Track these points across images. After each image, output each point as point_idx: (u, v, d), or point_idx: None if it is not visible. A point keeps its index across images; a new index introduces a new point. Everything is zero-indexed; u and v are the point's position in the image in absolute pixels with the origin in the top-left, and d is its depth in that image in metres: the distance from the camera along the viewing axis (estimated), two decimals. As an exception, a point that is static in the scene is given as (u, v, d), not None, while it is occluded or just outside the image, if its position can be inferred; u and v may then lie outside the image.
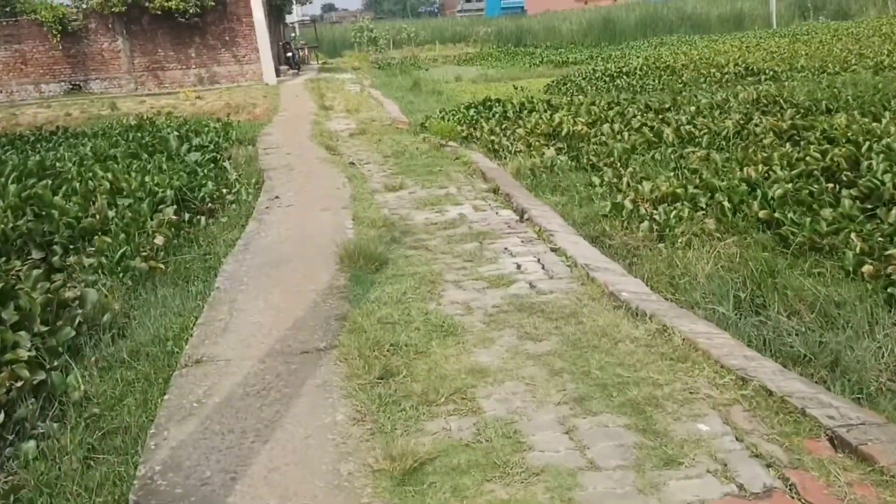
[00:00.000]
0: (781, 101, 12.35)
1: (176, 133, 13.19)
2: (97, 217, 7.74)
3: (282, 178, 10.12)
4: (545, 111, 13.31)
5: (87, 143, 12.67)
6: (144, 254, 7.07)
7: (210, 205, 9.16)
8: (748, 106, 12.51)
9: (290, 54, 31.72)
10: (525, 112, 13.51)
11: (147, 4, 26.17)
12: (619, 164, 9.36)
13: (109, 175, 9.03)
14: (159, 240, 7.14)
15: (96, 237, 7.25)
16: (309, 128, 15.21)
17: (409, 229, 7.27)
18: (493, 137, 11.96)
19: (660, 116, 12.08)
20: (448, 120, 14.06)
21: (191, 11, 26.23)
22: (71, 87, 27.24)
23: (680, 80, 18.99)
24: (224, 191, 9.52)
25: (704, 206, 7.26)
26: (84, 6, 27.00)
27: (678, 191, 7.55)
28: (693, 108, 12.32)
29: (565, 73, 26.74)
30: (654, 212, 7.31)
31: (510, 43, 43.27)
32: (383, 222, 7.49)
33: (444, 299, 5.38)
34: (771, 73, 17.76)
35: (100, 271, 6.71)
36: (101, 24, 26.98)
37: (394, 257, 6.34)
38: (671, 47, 32.93)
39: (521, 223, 7.29)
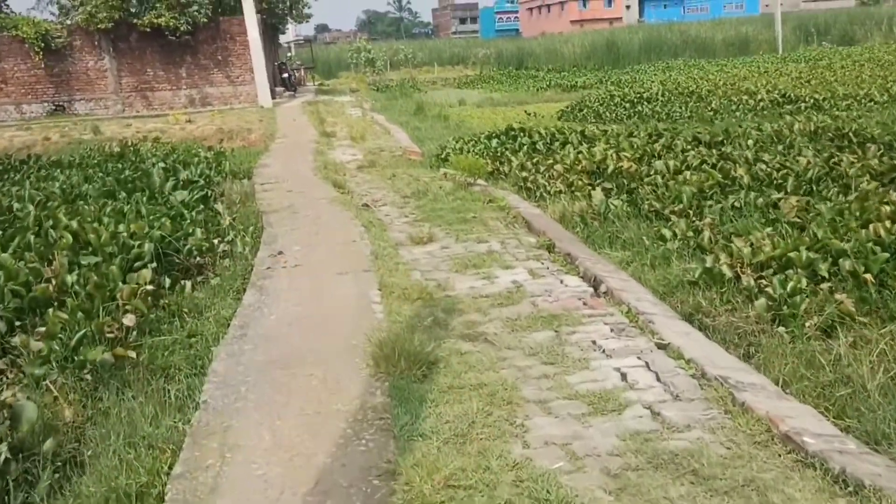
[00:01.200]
0: (850, 134, 10.75)
1: (161, 165, 11.48)
2: (53, 283, 6.02)
3: (284, 225, 8.41)
4: (579, 143, 11.67)
5: (59, 178, 10.93)
6: (111, 335, 5.37)
7: (198, 259, 7.47)
8: (809, 139, 10.93)
9: (285, 75, 30.12)
10: (557, 144, 11.87)
11: (136, 21, 24.50)
12: (691, 213, 7.69)
13: (75, 223, 7.30)
14: (130, 319, 5.41)
15: (50, 311, 5.56)
16: (311, 158, 13.52)
17: (453, 305, 5.57)
18: (524, 174, 10.31)
19: (715, 151, 10.47)
20: (468, 152, 12.41)
21: (182, 29, 24.57)
22: (54, 108, 25.49)
23: (709, 108, 17.45)
24: (215, 241, 7.81)
25: (828, 276, 5.62)
26: (69, 22, 25.33)
27: (791, 254, 5.90)
28: (751, 142, 10.71)
29: (577, 98, 25.23)
30: (763, 282, 5.66)
31: (511, 65, 41.84)
32: (419, 293, 5.79)
33: (531, 435, 3.68)
34: (811, 101, 16.22)
35: (51, 360, 5.06)
36: (86, 41, 25.28)
37: (444, 354, 4.64)
38: (681, 72, 31.52)
39: (599, 298, 5.60)
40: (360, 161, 13.00)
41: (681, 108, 17.97)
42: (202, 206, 9.22)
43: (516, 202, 8.79)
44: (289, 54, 39.79)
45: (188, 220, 8.29)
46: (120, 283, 6.06)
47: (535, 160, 10.94)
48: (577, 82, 28.94)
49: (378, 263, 6.66)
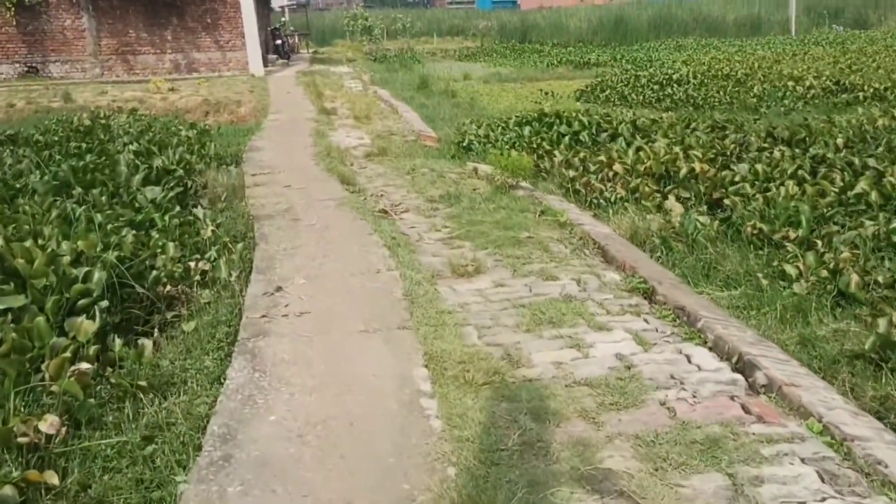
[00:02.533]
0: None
1: (133, 148, 9.44)
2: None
3: (283, 239, 6.44)
4: (632, 136, 9.71)
5: (5, 161, 8.86)
6: (24, 439, 3.52)
7: (168, 288, 5.54)
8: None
9: (279, 42, 27.81)
10: (604, 135, 9.90)
11: (117, -22, 22.16)
12: (819, 243, 5.79)
13: (0, 238, 5.31)
14: (51, 424, 3.48)
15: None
16: (310, 141, 11.48)
17: (542, 402, 3.67)
18: (571, 173, 8.38)
19: (798, 150, 8.57)
20: (496, 140, 10.43)
21: (168, -12, 22.29)
22: (26, 69, 23.14)
23: (751, 94, 15.51)
24: (192, 262, 5.86)
25: None
26: (44, -24, 22.91)
27: None
28: (840, 141, 8.81)
29: (591, 76, 23.23)
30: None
31: (513, 39, 39.57)
32: (484, 373, 3.88)
33: None
34: (870, 90, 14.29)
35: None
36: (63, -2, 22.91)
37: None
38: (696, 51, 29.48)
39: (759, 396, 3.71)
40: (369, 147, 10.98)
41: (718, 93, 16.01)
42: (178, 209, 7.23)
43: (577, 216, 6.85)
44: (282, 19, 37.38)
45: (159, 230, 6.32)
46: (47, 345, 4.12)
47: (581, 156, 8.99)
48: (589, 59, 26.84)
49: (416, 312, 4.73)
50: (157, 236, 6.10)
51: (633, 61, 26.33)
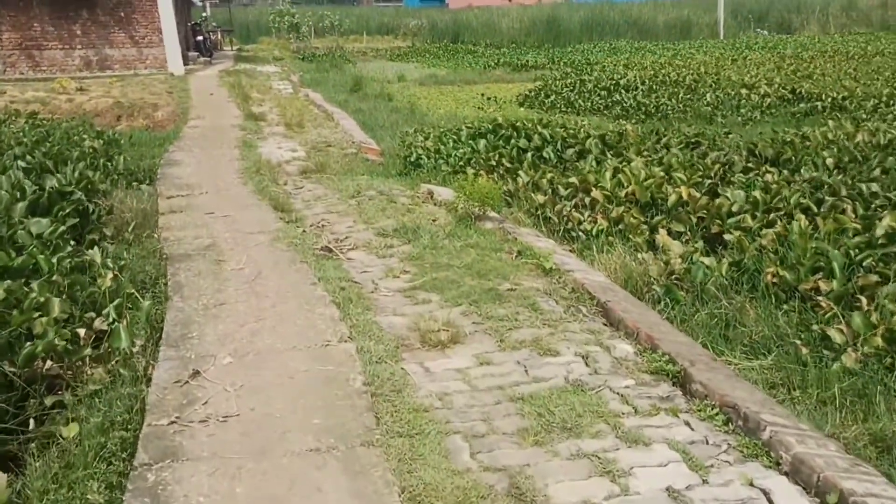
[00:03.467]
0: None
1: (21, 164, 7.87)
2: None
3: (203, 292, 5.07)
4: (602, 152, 8.63)
5: None
6: None
7: (49, 365, 4.20)
8: (884, 153, 8.22)
9: (200, 38, 25.93)
10: (571, 152, 8.78)
11: (20, -34, 20.05)
12: (863, 299, 4.77)
13: None
14: None
15: None
16: (236, 153, 10.05)
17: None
18: (540, 198, 7.24)
19: (786, 171, 7.64)
20: (448, 156, 9.21)
21: (76, -22, 20.30)
22: (-83, 65, 20.81)
23: (704, 102, 14.72)
24: (84, 325, 4.48)
25: None
26: (-65, -37, 20.61)
27: None
28: (829, 161, 7.93)
29: (531, 79, 22.26)
30: None
31: (445, 38, 38.40)
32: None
33: None
34: (828, 99, 13.63)
35: None
36: (-42, -14, 20.66)
37: None
38: (631, 54, 28.88)
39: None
40: (304, 161, 9.61)
41: (670, 100, 15.16)
42: (72, 245, 5.78)
43: (562, 259, 5.68)
44: (203, 14, 35.30)
45: (42, 282, 4.88)
46: None
47: (549, 177, 7.86)
48: (526, 61, 25.86)
49: (383, 414, 3.47)
50: (37, 290, 4.66)
51: (570, 64, 25.48)
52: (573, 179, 7.55)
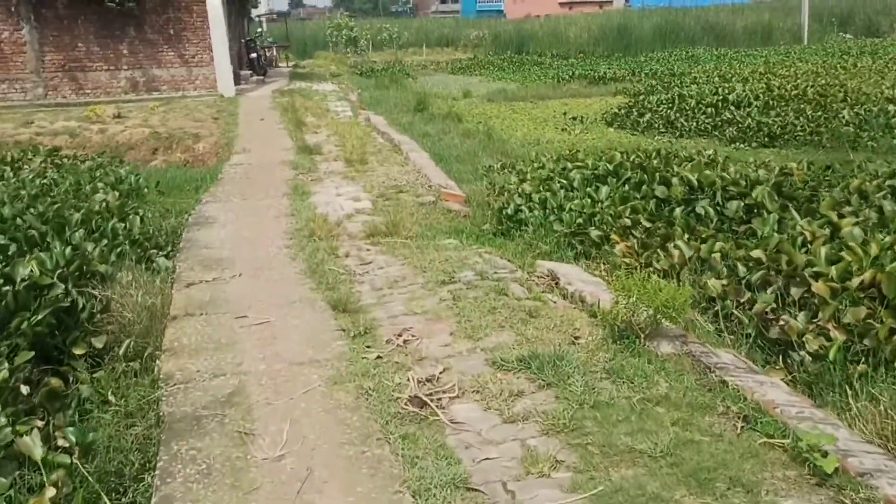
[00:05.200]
0: None
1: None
2: None
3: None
4: (782, 209, 6.08)
5: None
6: None
7: None
8: None
9: (254, 55, 24.03)
10: (736, 205, 6.24)
11: (63, -17, 18.38)
12: None
13: None
14: None
15: None
16: (285, 204, 7.81)
17: None
18: (715, 283, 4.80)
19: None
20: (565, 210, 6.80)
21: (123, -6, 18.53)
22: (-44, 89, 19.28)
23: (842, 121, 12.03)
24: None
25: None
26: (-25, -19, 19.07)
27: None
28: None
29: (611, 93, 19.76)
30: None
31: (508, 50, 36.02)
32: None
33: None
34: None
35: None
36: (0, 5, 19.06)
37: None
38: (714, 63, 26.06)
39: None
40: (370, 216, 7.32)
41: (797, 118, 12.49)
42: (26, 394, 3.59)
43: (847, 442, 3.19)
44: (259, 30, 33.59)
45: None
46: None
47: (718, 247, 5.37)
48: (603, 73, 23.29)
49: None
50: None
51: (652, 75, 22.86)
52: (758, 253, 5.06)
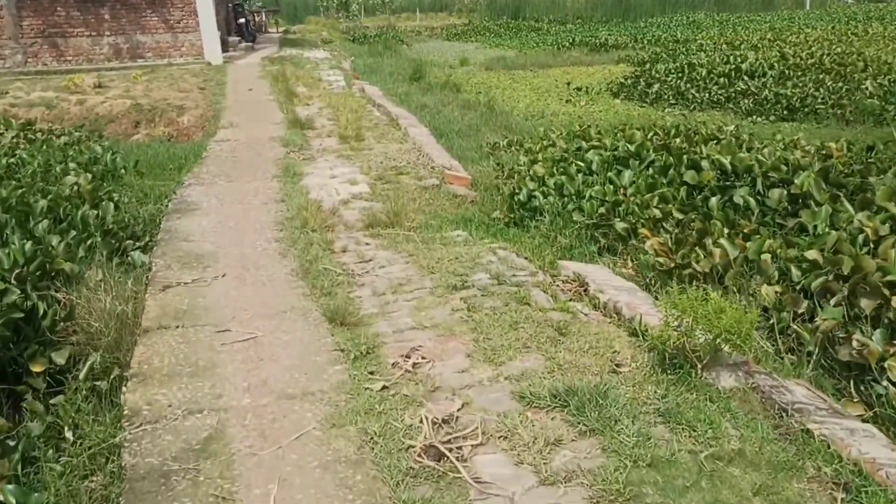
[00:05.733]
0: None
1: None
2: None
3: None
4: (834, 200, 5.39)
5: None
6: None
7: None
8: None
9: (242, 20, 23.00)
10: (778, 195, 5.54)
11: (39, -57, 17.32)
12: None
13: None
14: None
15: None
16: (274, 188, 7.08)
17: None
18: (767, 290, 4.14)
19: None
20: (582, 196, 6.10)
21: (102, -44, 17.49)
22: (-70, 57, 18.29)
23: (865, 93, 11.32)
24: None
25: None
26: (-53, -58, 17.97)
27: None
28: None
29: (615, 61, 18.96)
30: None
31: (504, 15, 34.94)
32: None
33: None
34: None
35: None
36: (-26, -32, 18.03)
37: None
38: (718, 28, 25.17)
39: None
40: (368, 201, 6.61)
41: (817, 90, 11.77)
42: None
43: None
44: (248, -6, 32.36)
45: None
46: None
47: (767, 245, 4.69)
48: (605, 40, 22.38)
49: None
50: None
51: (655, 42, 22.00)
52: (814, 254, 4.39)
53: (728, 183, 5.82)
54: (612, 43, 21.92)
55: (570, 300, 4.42)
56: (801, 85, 12.16)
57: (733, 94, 12.52)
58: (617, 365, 3.56)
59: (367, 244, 5.61)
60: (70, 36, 18.87)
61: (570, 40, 22.94)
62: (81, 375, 3.75)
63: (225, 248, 5.49)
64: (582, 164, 6.73)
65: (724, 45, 18.24)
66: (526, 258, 5.15)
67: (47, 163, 7.36)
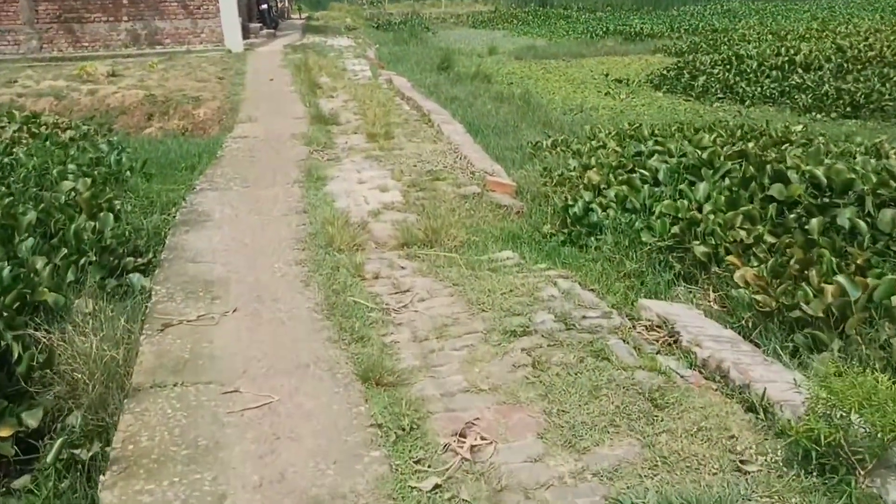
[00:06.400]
0: None
1: None
2: None
3: None
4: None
5: None
6: None
7: None
8: None
9: (264, 6, 22.14)
10: (891, 216, 4.63)
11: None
12: None
13: None
14: None
15: None
16: (296, 196, 6.24)
17: None
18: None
19: None
20: (649, 211, 5.22)
21: (120, -62, 16.71)
22: (-56, 42, 17.64)
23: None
24: None
25: None
26: (-39, -77, 17.28)
27: None
28: None
29: (651, 51, 17.97)
30: None
31: (532, 2, 33.85)
32: None
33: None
34: None
35: None
36: (-11, -49, 17.33)
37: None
38: (762, 18, 24.00)
39: None
40: (400, 212, 5.77)
41: (883, 85, 10.75)
42: None
43: None
44: (271, -21, 31.46)
45: None
46: None
47: None
48: (641, 29, 21.30)
49: None
50: None
51: (693, 31, 20.93)
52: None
53: (826, 200, 4.90)
54: (647, 32, 20.87)
55: (658, 352, 3.55)
56: (863, 79, 11.15)
57: (787, 89, 11.55)
58: (741, 460, 2.70)
59: (402, 268, 4.77)
60: (87, 21, 18.12)
61: (604, 29, 21.90)
62: (50, 458, 2.95)
63: (238, 272, 4.67)
64: (646, 172, 5.83)
65: (770, 36, 17.15)
66: (593, 291, 4.28)
67: (44, 164, 6.56)
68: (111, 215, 5.44)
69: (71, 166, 6.55)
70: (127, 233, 5.43)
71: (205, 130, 9.84)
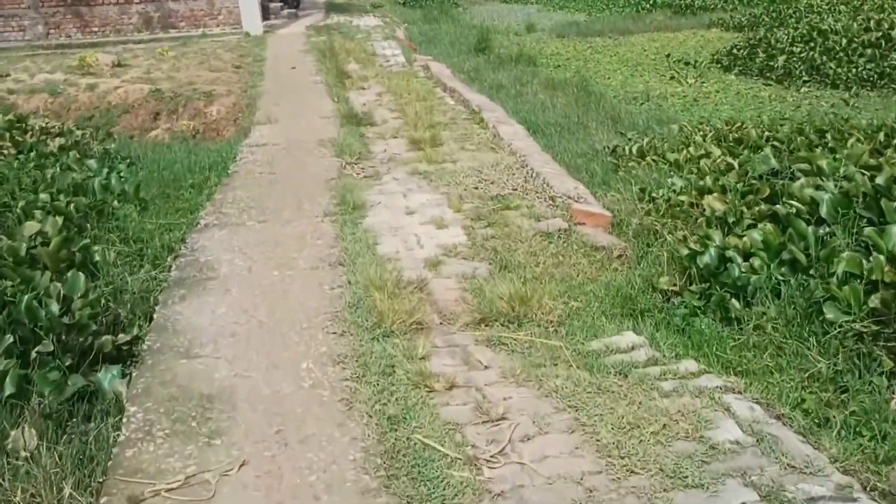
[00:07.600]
0: None
1: None
2: None
3: None
4: None
5: None
6: None
7: None
8: None
9: (285, -17, 20.48)
10: None
11: None
12: None
13: None
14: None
15: None
16: (327, 236, 4.71)
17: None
18: None
19: None
20: (805, 258, 3.62)
21: (128, -87, 15.12)
22: (-55, 29, 16.23)
23: None
24: None
25: None
26: None
27: None
28: None
29: (706, 26, 16.20)
30: None
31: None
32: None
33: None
34: None
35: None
36: (-10, -71, 15.85)
37: None
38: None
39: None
40: (467, 260, 4.22)
41: None
42: None
43: None
44: (291, -45, 29.69)
45: None
46: None
47: None
48: (692, 1, 19.36)
49: None
50: None
51: (748, 2, 18.98)
52: None
53: None
54: (698, 4, 18.95)
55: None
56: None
57: (888, 70, 9.79)
58: None
59: (483, 366, 3.24)
60: (95, 4, 16.61)
61: (650, 1, 19.99)
62: None
63: (249, 377, 3.18)
64: (800, 205, 4.22)
65: (842, 6, 15.24)
66: (783, 420, 2.72)
67: (11, 194, 5.10)
68: (81, 276, 3.96)
69: (43, 196, 5.07)
70: (104, 299, 3.96)
71: (218, 132, 8.36)
